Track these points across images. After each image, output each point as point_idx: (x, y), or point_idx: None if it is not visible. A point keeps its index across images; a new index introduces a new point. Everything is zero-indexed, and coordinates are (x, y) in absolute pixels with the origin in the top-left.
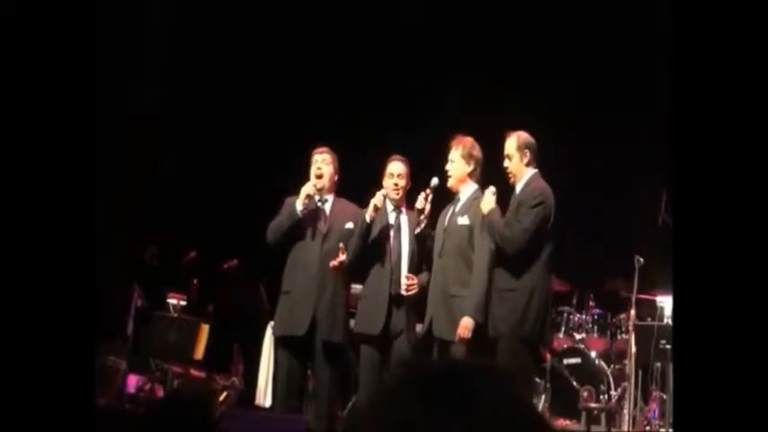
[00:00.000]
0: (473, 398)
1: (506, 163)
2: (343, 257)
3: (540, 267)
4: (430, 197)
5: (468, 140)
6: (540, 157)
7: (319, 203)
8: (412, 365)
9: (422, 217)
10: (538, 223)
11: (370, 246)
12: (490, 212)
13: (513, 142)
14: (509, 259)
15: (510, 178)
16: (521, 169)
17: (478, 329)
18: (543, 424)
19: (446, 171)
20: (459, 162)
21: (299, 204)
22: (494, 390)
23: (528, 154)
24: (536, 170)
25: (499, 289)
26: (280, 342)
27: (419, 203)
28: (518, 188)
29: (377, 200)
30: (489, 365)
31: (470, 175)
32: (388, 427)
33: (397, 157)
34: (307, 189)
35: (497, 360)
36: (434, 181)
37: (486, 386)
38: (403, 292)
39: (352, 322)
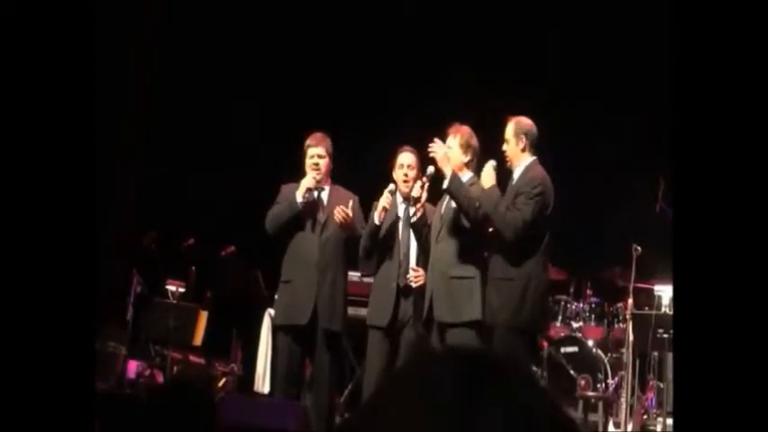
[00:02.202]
0: (510, 387)
1: (504, 147)
2: (349, 211)
3: (537, 256)
4: (426, 186)
5: (466, 130)
6: (539, 145)
7: (316, 193)
8: (450, 350)
9: (418, 206)
10: (537, 214)
11: (380, 239)
12: (491, 189)
13: (512, 127)
14: (506, 248)
15: (507, 162)
16: (517, 154)
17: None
18: (575, 428)
19: None
20: (456, 150)
21: (299, 197)
22: (523, 380)
23: (524, 140)
24: (534, 157)
25: (496, 278)
26: (280, 330)
27: (415, 192)
28: (516, 174)
29: (385, 200)
30: (521, 363)
31: (467, 165)
32: (420, 408)
33: (407, 148)
34: (307, 182)
35: (494, 348)
36: (430, 169)
37: (521, 380)
38: (411, 284)
39: (349, 310)
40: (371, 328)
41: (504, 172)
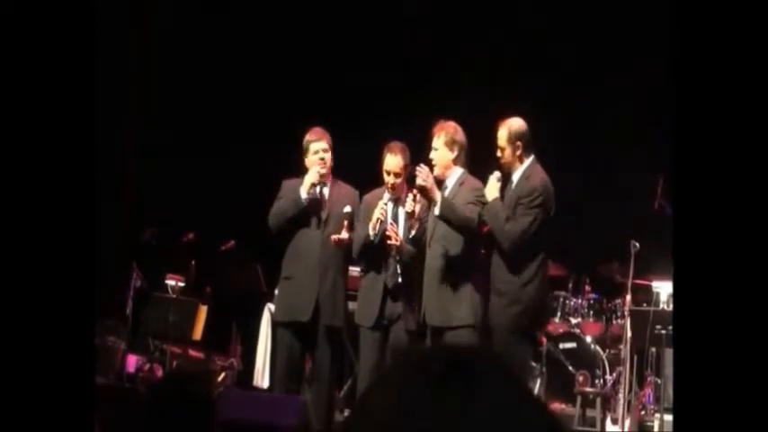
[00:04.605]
0: (478, 385)
1: (499, 154)
2: (345, 235)
3: (538, 258)
4: (418, 197)
5: (451, 126)
6: (536, 142)
7: (319, 188)
8: (415, 353)
9: (413, 220)
10: (538, 224)
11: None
12: (493, 202)
13: (505, 134)
14: (507, 250)
15: (505, 168)
16: (514, 161)
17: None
18: (545, 410)
19: (430, 160)
20: (442, 150)
21: (304, 193)
22: (497, 376)
23: (520, 146)
24: (532, 157)
25: (497, 278)
26: (281, 326)
27: (408, 207)
28: (515, 179)
29: (380, 212)
30: (490, 352)
31: (455, 161)
32: (393, 415)
33: (394, 145)
34: (311, 178)
35: (495, 348)
36: (419, 180)
37: (490, 373)
38: (389, 242)
39: (350, 305)
40: (361, 327)
41: (505, 179)
